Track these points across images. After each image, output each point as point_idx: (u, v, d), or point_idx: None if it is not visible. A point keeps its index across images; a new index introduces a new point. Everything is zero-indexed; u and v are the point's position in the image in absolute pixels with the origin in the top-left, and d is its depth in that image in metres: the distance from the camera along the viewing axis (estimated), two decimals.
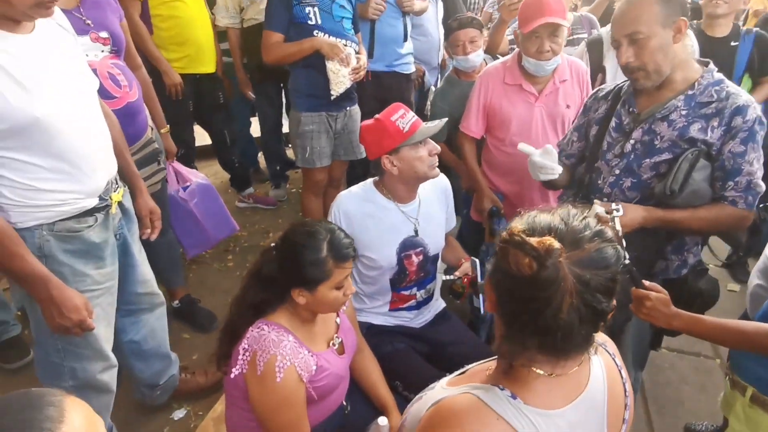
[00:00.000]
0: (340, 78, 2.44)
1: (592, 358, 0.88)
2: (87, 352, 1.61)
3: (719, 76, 1.53)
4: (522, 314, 0.77)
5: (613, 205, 1.44)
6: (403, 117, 1.72)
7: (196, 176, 2.56)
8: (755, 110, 1.46)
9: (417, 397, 1.00)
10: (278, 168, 3.97)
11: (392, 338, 1.88)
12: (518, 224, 0.80)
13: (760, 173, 1.49)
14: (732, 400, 1.46)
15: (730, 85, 1.51)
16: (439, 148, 1.75)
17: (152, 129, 2.19)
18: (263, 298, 1.39)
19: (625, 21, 1.47)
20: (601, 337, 0.97)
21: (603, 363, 0.91)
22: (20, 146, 1.32)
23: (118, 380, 1.77)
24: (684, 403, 2.33)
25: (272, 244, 1.43)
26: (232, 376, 1.34)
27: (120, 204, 1.68)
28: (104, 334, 1.64)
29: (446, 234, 1.99)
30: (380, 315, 1.92)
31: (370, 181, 1.88)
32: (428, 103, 3.26)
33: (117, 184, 1.65)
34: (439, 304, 2.03)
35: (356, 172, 3.23)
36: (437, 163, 1.77)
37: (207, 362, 2.42)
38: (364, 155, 2.85)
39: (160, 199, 2.09)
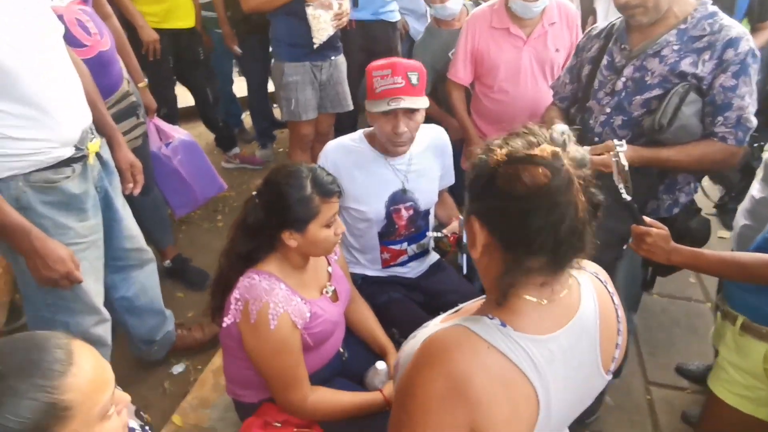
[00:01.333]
0: (322, 24, 2.37)
1: (581, 284, 0.89)
2: (77, 306, 1.60)
3: (713, 8, 1.49)
4: (533, 235, 0.75)
5: (616, 141, 1.41)
6: (383, 77, 1.59)
7: (178, 132, 2.50)
8: (748, 42, 1.43)
9: (411, 335, 1.00)
10: (265, 127, 3.89)
11: (387, 288, 1.89)
12: (503, 149, 0.78)
13: (752, 108, 1.47)
14: (722, 331, 1.50)
15: (724, 18, 1.48)
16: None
17: (128, 82, 2.11)
18: (252, 247, 1.37)
19: None
20: (592, 266, 0.97)
21: (593, 288, 0.91)
22: None
23: (117, 336, 1.78)
24: (675, 344, 2.40)
25: (254, 192, 1.40)
26: (224, 325, 1.35)
27: (98, 156, 1.64)
28: (94, 288, 1.63)
29: (441, 190, 1.96)
30: (374, 269, 1.92)
31: (360, 131, 1.83)
32: None
33: (93, 134, 1.60)
34: (433, 255, 2.04)
35: (343, 125, 3.18)
36: (401, 141, 1.66)
37: (203, 318, 2.44)
38: (351, 107, 2.81)
39: (142, 156, 2.04)
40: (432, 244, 1.96)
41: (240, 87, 4.34)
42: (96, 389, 0.76)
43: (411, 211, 1.83)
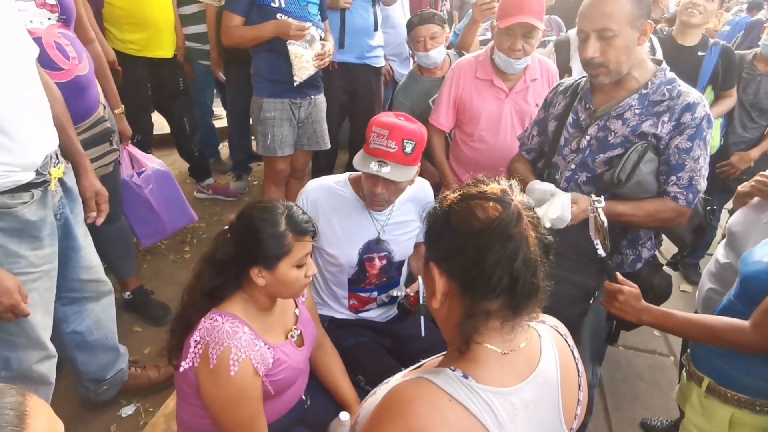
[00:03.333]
0: (303, 63, 2.37)
1: (542, 336, 0.88)
2: (22, 341, 1.49)
3: (671, 75, 1.57)
4: (489, 271, 0.76)
5: (594, 197, 1.43)
6: (379, 136, 1.58)
7: (152, 161, 2.44)
8: (704, 108, 1.50)
9: (371, 392, 0.97)
10: (242, 159, 3.85)
11: (355, 331, 1.84)
12: (456, 192, 0.82)
13: (703, 172, 1.53)
14: (688, 392, 1.50)
15: (682, 84, 1.55)
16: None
17: (104, 107, 2.07)
18: (218, 284, 1.31)
19: (597, 15, 1.47)
20: (551, 320, 0.97)
21: (554, 342, 0.90)
22: None
23: (62, 374, 1.66)
24: (639, 398, 2.39)
25: (226, 227, 1.36)
26: (181, 369, 1.27)
27: (61, 181, 1.57)
28: (41, 322, 1.53)
29: (418, 242, 1.93)
30: (342, 312, 1.87)
31: (346, 176, 1.81)
32: None
33: (57, 159, 1.54)
34: (402, 293, 1.99)
35: (321, 164, 3.17)
36: (378, 201, 1.66)
37: (159, 356, 2.31)
38: (328, 146, 2.80)
39: (112, 183, 1.98)
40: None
41: (220, 119, 4.34)
42: None
43: (384, 261, 1.81)
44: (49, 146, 1.48)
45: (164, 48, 2.98)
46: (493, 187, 0.81)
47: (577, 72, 2.58)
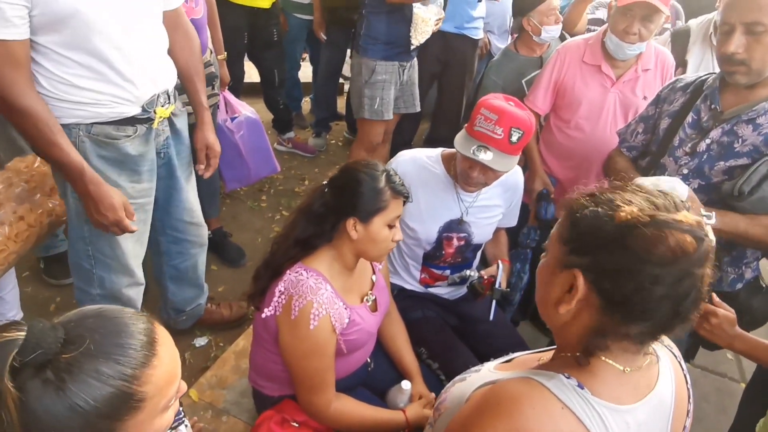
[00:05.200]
0: (427, 28, 2.38)
1: (660, 358, 0.83)
2: (114, 264, 1.62)
3: None
4: (654, 303, 0.69)
5: (703, 211, 1.30)
6: (487, 119, 1.51)
7: (245, 109, 2.51)
8: None
9: (459, 377, 0.95)
10: (325, 116, 3.90)
11: (423, 305, 1.85)
12: (630, 205, 0.71)
13: None
14: None
15: None
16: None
17: (211, 52, 2.14)
18: (312, 233, 1.35)
19: (749, 6, 1.32)
20: (667, 340, 0.91)
21: (671, 364, 0.85)
22: (59, 38, 1.30)
23: (145, 298, 1.79)
24: (702, 421, 2.27)
25: (324, 182, 1.40)
26: (264, 316, 1.33)
27: (170, 122, 1.65)
28: (132, 250, 1.64)
29: (499, 227, 1.90)
30: (412, 283, 1.88)
31: (440, 151, 1.77)
32: None
33: (169, 100, 1.61)
34: (475, 275, 1.97)
35: (403, 129, 3.14)
36: (472, 184, 1.61)
37: (232, 296, 2.45)
38: (419, 109, 2.80)
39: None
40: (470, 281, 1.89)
41: (304, 73, 4.38)
42: (168, 382, 0.75)
43: (462, 242, 1.79)
44: (158, 85, 1.55)
45: None
46: (687, 216, 0.70)
47: (693, 66, 2.38)
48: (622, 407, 0.74)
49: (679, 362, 0.89)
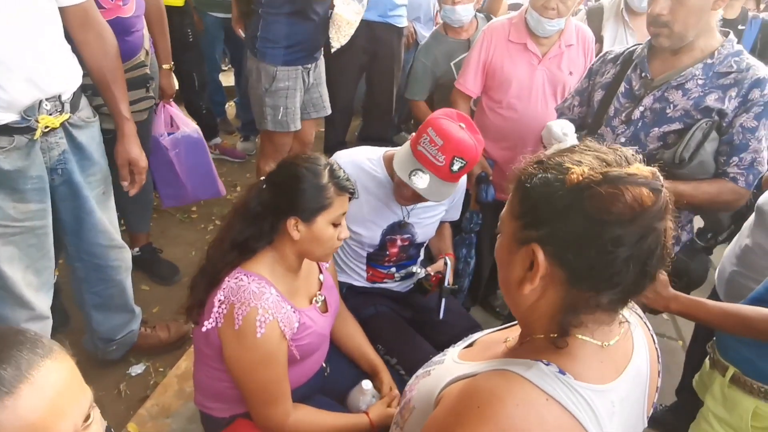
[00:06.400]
0: (350, 30, 2.20)
1: (632, 324, 0.80)
2: (4, 295, 1.43)
3: (739, 47, 1.47)
4: (620, 265, 0.65)
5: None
6: (432, 142, 1.44)
7: (188, 126, 2.34)
8: None
9: (422, 371, 0.88)
10: (252, 119, 3.73)
11: (374, 300, 1.79)
12: (580, 166, 0.67)
13: (765, 153, 1.45)
14: (709, 381, 1.45)
15: (750, 57, 1.46)
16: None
17: (147, 53, 1.98)
18: (249, 235, 1.24)
19: None
20: (633, 305, 0.89)
21: (641, 329, 0.82)
22: None
23: (69, 328, 1.60)
24: None
25: (261, 178, 1.29)
26: (204, 329, 1.20)
27: (70, 135, 1.46)
28: (23, 279, 1.44)
29: (443, 221, 1.87)
30: (360, 280, 1.82)
31: (381, 152, 1.69)
32: None
33: (63, 108, 1.42)
34: (422, 272, 1.94)
35: (335, 129, 3.06)
36: (404, 203, 1.60)
37: (169, 315, 2.27)
38: (330, 111, 2.62)
39: (143, 132, 1.89)
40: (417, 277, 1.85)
41: (226, 76, 4.19)
42: (52, 417, 0.60)
43: (406, 242, 1.75)
44: (43, 90, 1.36)
45: None
46: (641, 168, 0.67)
47: (609, 40, 2.48)
48: (605, 387, 0.70)
49: (645, 322, 0.87)
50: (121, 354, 1.97)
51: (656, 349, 0.85)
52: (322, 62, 2.51)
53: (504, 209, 0.75)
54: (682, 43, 1.44)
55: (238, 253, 1.23)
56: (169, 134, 2.30)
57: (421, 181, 1.45)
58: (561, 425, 0.65)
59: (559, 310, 0.70)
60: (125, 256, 1.78)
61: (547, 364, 0.69)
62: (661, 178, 0.68)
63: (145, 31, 2.03)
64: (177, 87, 3.26)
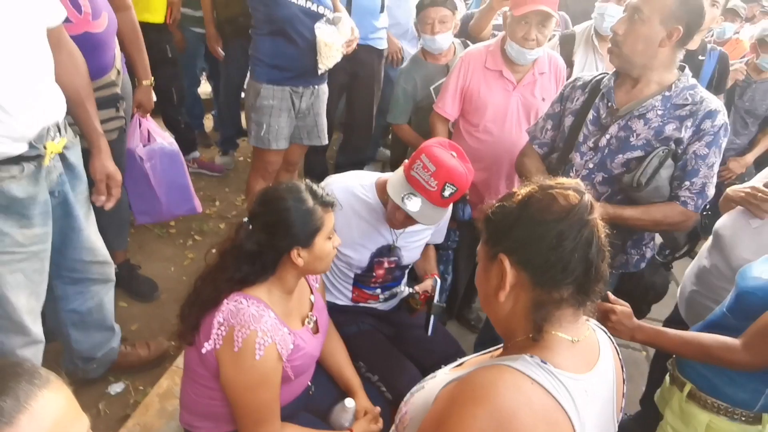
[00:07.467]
0: (333, 52, 2.21)
1: (595, 330, 0.92)
2: (5, 323, 1.42)
3: (693, 81, 1.60)
4: (567, 257, 0.79)
5: None
6: (425, 168, 1.51)
7: (165, 139, 2.30)
8: (723, 116, 1.54)
9: (416, 387, 0.96)
10: (231, 134, 3.74)
11: (357, 318, 1.83)
12: (528, 187, 0.87)
13: (714, 179, 1.58)
14: (668, 396, 1.54)
15: (703, 91, 1.58)
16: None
17: (119, 72, 1.96)
18: (249, 272, 1.27)
19: None
20: (594, 321, 0.99)
21: (608, 342, 0.94)
22: None
23: (48, 347, 1.59)
24: None
25: (244, 219, 1.32)
26: (204, 351, 1.23)
27: (62, 157, 1.47)
28: (26, 305, 1.44)
29: (427, 243, 1.92)
30: (344, 300, 1.86)
31: (373, 179, 1.74)
32: None
33: (59, 132, 1.44)
34: (406, 291, 1.99)
35: (315, 148, 3.07)
36: (395, 227, 1.67)
37: (148, 333, 2.25)
38: (326, 142, 2.67)
39: (115, 152, 1.86)
40: (400, 297, 1.90)
41: (204, 90, 4.18)
42: None
43: (393, 265, 1.81)
44: (48, 118, 1.38)
45: (152, 12, 2.81)
46: (566, 180, 0.85)
47: (579, 66, 2.60)
48: (579, 376, 0.82)
49: (608, 336, 0.98)
50: (101, 372, 1.95)
51: (620, 359, 0.97)
52: (324, 91, 2.51)
53: (478, 246, 0.90)
54: (630, 67, 1.55)
55: (238, 286, 1.27)
56: (145, 146, 2.27)
57: (413, 205, 1.52)
58: (544, 405, 0.76)
59: (531, 309, 0.83)
60: (107, 270, 1.77)
61: (531, 357, 0.81)
62: (583, 186, 0.86)
63: (117, 51, 2.01)
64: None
